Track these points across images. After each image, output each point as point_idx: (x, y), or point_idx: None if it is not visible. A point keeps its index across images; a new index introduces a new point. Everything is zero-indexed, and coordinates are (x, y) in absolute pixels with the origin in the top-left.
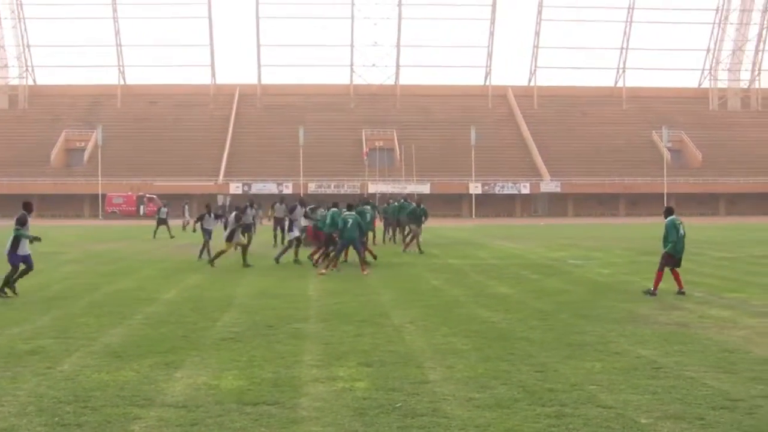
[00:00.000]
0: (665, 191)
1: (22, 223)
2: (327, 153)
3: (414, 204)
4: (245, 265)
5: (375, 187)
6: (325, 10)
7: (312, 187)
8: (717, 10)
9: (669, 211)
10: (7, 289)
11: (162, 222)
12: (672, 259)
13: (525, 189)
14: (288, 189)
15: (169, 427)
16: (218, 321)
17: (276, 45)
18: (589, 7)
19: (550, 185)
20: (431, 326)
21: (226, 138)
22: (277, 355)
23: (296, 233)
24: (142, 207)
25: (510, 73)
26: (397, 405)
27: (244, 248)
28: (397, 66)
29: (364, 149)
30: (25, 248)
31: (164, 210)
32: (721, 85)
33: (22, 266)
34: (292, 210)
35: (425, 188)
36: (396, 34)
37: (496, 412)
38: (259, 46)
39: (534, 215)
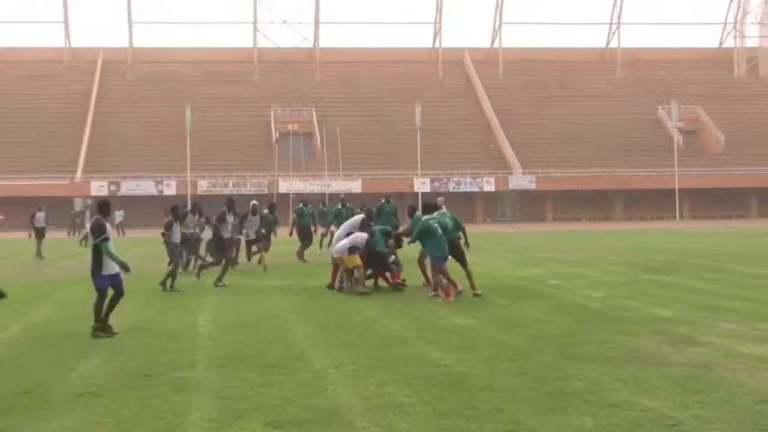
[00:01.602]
0: (676, 186)
1: (102, 229)
2: (223, 140)
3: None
4: (160, 284)
5: (288, 185)
6: None
7: (203, 186)
8: None
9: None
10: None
11: (40, 233)
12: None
13: (488, 186)
14: (170, 189)
15: None
16: (74, 369)
17: None
18: None
19: (521, 180)
20: (363, 372)
21: (86, 120)
22: (154, 414)
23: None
24: None
25: (467, 33)
26: None
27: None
28: (316, 23)
29: (274, 135)
30: (111, 266)
31: (41, 215)
32: (750, 44)
33: (110, 291)
34: (220, 219)
35: (355, 186)
36: None
37: None
38: None
39: (501, 220)
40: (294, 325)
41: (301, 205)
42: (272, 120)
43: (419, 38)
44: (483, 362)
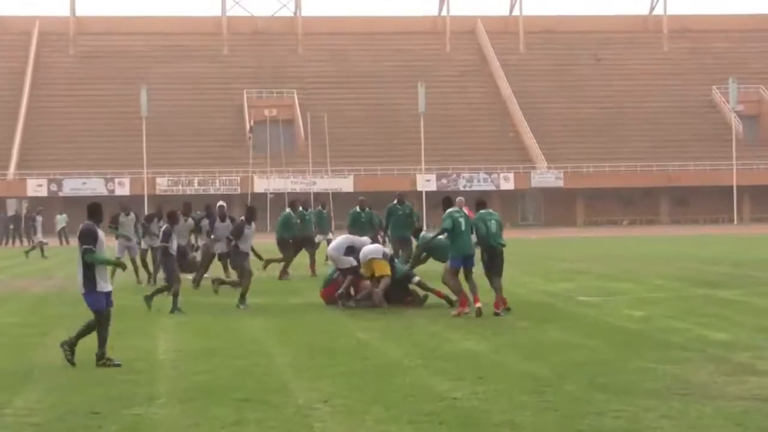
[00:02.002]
0: (734, 183)
1: (92, 238)
2: (186, 130)
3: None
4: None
5: (265, 184)
6: None
7: (162, 185)
8: None
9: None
10: (106, 356)
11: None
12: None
13: (507, 183)
14: (123, 188)
15: None
16: (8, 405)
17: None
18: None
19: (546, 177)
20: (356, 407)
21: (19, 106)
22: None
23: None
24: None
25: None
26: None
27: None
28: None
29: (247, 123)
30: (106, 280)
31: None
32: None
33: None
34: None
35: (345, 184)
36: None
37: None
38: None
39: (521, 224)
40: (273, 351)
41: (300, 208)
42: (245, 104)
43: (422, 5)
44: (500, 395)
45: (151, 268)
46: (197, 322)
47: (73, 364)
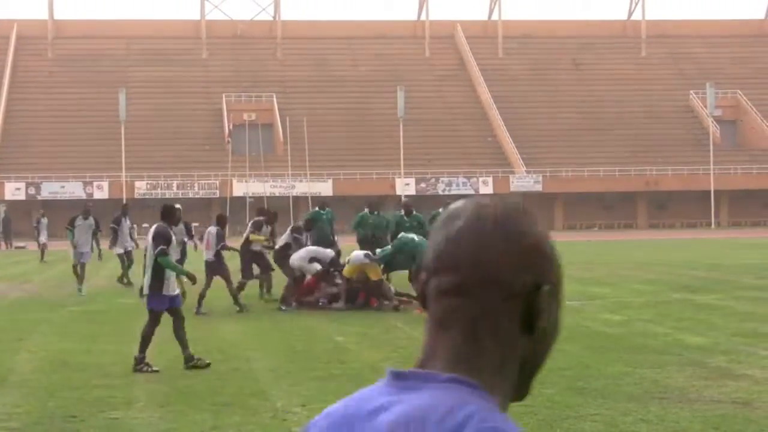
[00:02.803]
0: (712, 187)
1: (166, 240)
2: (165, 133)
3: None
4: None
5: (244, 187)
6: None
7: (141, 188)
8: None
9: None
10: (144, 363)
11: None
12: None
13: (486, 187)
14: (102, 191)
15: None
16: None
17: None
18: None
19: (525, 181)
20: None
21: None
22: None
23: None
24: None
25: (459, 2)
26: None
27: None
28: None
29: (226, 127)
30: (173, 284)
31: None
32: None
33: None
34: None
35: (324, 188)
36: None
37: None
38: None
39: None
40: (252, 356)
41: (317, 208)
42: (224, 108)
43: (402, 9)
44: None
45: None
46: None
47: (155, 371)
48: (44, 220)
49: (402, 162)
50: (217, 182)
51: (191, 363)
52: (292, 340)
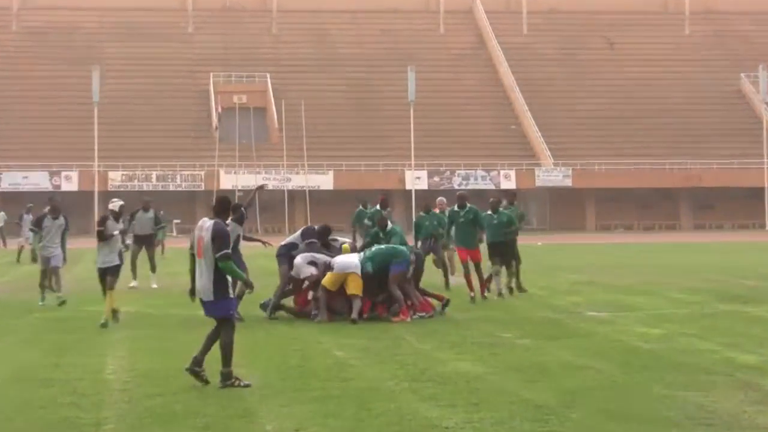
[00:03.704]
0: (766, 184)
1: (227, 241)
2: (144, 118)
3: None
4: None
5: (232, 179)
6: None
7: (116, 180)
8: None
9: None
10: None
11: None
12: None
13: (508, 182)
14: (71, 182)
15: None
16: None
17: None
18: None
19: (552, 175)
20: None
21: None
22: None
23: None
24: None
25: None
26: None
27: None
28: None
29: (214, 111)
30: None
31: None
32: None
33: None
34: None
35: (324, 181)
36: None
37: None
38: None
39: (524, 228)
40: (239, 371)
41: (360, 206)
42: (211, 90)
43: None
44: (497, 424)
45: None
46: (153, 337)
47: (247, 384)
48: (28, 217)
49: (413, 152)
50: (203, 174)
51: (231, 381)
52: (286, 353)
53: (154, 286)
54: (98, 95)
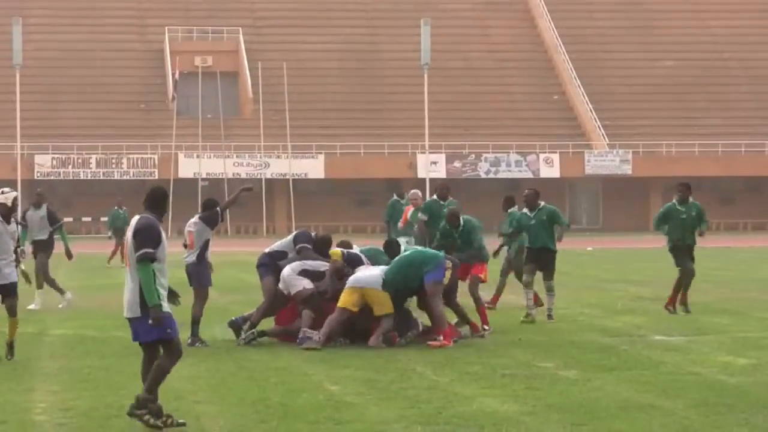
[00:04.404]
0: None
1: (152, 239)
2: (80, 86)
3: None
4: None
5: (194, 165)
6: None
7: (45, 165)
8: None
9: None
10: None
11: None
12: None
13: (549, 169)
14: None
15: None
16: None
17: None
18: None
19: (608, 160)
20: None
21: None
22: None
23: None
24: None
25: None
26: None
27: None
28: None
29: (170, 76)
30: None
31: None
32: None
33: None
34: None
35: (313, 167)
36: None
37: None
38: None
39: (571, 229)
40: (204, 411)
41: (395, 196)
42: (166, 49)
43: None
44: None
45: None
46: (94, 367)
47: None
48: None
49: (426, 131)
50: (156, 157)
51: (139, 412)
52: (265, 388)
53: (33, 306)
54: (20, 57)
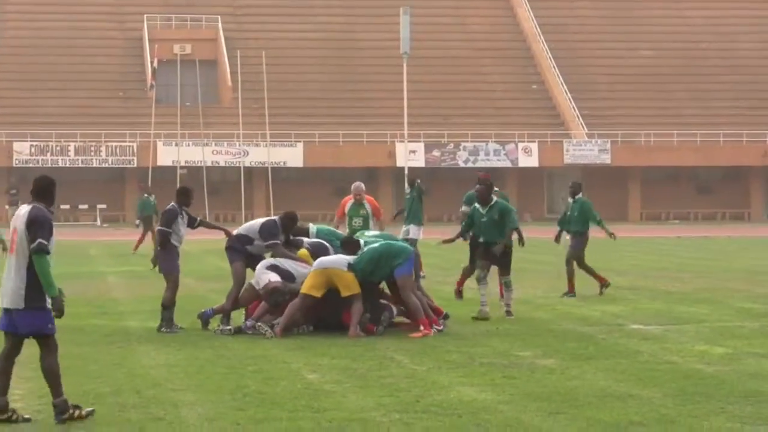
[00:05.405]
0: None
1: (45, 230)
2: (58, 73)
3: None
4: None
5: (173, 153)
6: None
7: (23, 153)
8: None
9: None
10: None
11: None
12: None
13: (528, 158)
14: None
15: None
16: None
17: None
18: None
19: (586, 149)
20: None
21: None
22: None
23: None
24: None
25: None
26: None
27: None
28: None
29: (149, 63)
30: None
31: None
32: None
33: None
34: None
35: (292, 155)
36: None
37: None
38: None
39: (549, 218)
40: (182, 399)
41: (418, 181)
42: (145, 37)
43: None
44: None
45: None
46: (70, 354)
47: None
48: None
49: (405, 119)
50: (135, 145)
51: (65, 415)
52: (242, 376)
53: None
54: None
